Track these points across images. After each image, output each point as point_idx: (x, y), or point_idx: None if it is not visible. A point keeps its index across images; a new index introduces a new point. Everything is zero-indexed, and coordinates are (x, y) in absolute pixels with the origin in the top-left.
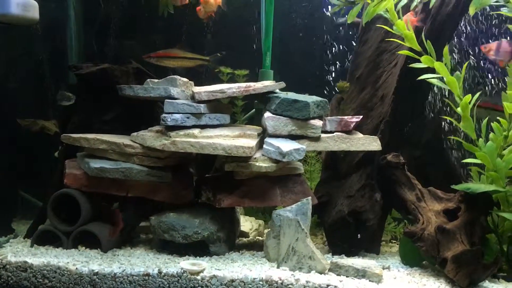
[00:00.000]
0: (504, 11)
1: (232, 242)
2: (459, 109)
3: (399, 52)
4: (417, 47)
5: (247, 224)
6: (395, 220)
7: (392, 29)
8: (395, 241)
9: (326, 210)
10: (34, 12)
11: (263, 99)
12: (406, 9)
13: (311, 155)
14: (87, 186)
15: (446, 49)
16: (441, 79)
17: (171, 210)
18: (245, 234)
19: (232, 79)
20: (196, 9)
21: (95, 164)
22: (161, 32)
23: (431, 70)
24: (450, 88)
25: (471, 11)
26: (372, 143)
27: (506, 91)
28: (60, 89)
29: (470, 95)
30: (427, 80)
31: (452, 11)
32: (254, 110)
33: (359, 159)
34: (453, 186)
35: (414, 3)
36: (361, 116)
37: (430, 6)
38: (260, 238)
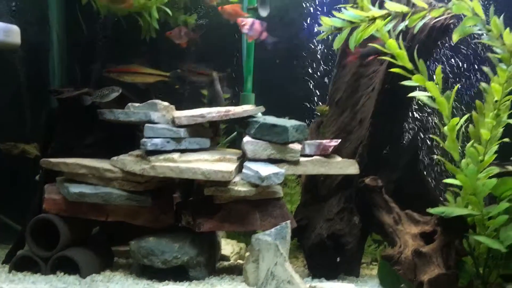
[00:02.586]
0: (485, 39)
1: (212, 266)
2: (445, 129)
3: (392, 70)
4: (409, 65)
5: (228, 247)
6: (375, 242)
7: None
8: (375, 263)
9: (305, 234)
10: (15, 37)
11: (243, 123)
12: None
13: (291, 178)
14: (66, 211)
15: (439, 69)
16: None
17: (150, 235)
18: (226, 258)
19: None
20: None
21: (75, 189)
22: (144, 56)
23: (413, 89)
24: (440, 109)
25: (454, 38)
26: (350, 167)
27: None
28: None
29: (458, 117)
30: (408, 102)
31: (426, 38)
32: (235, 133)
33: (338, 182)
34: (428, 210)
35: (399, 28)
36: (339, 140)
37: (415, 31)
38: (241, 261)
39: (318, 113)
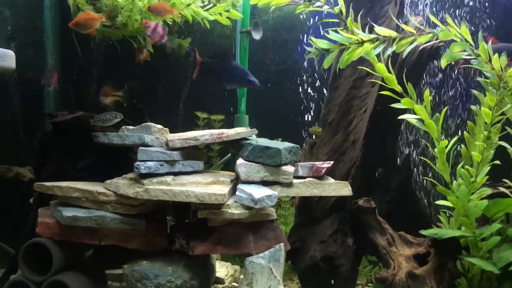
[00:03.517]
0: (474, 63)
1: None
2: (436, 151)
3: (380, 92)
4: (399, 88)
5: (222, 269)
6: (370, 263)
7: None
8: (370, 285)
9: (299, 256)
10: (10, 62)
11: (236, 146)
12: None
13: (286, 199)
14: (60, 235)
15: (427, 92)
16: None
17: (144, 258)
18: (220, 281)
19: (208, 124)
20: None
21: (68, 212)
22: (139, 79)
23: (403, 111)
24: (429, 131)
25: (443, 63)
26: (343, 188)
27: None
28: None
29: (446, 140)
30: (400, 123)
31: (417, 60)
32: (230, 154)
33: (332, 204)
34: (421, 232)
35: (388, 52)
36: (332, 162)
37: (404, 56)
38: (236, 284)
39: (312, 134)
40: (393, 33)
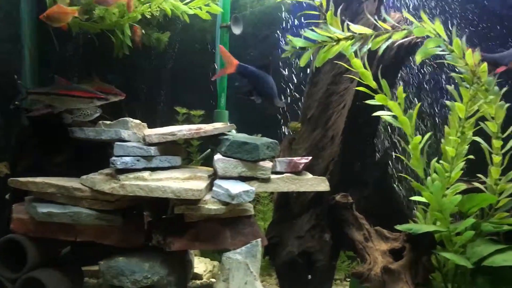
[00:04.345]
0: (448, 59)
1: (183, 285)
2: (410, 148)
3: (357, 88)
4: (373, 84)
5: (201, 265)
6: (349, 258)
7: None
8: (349, 280)
9: (277, 251)
10: None
11: (215, 141)
12: None
13: (264, 195)
14: (34, 231)
15: (400, 89)
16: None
17: (120, 254)
18: (198, 276)
19: (187, 119)
20: None
21: (43, 208)
22: (117, 73)
23: (381, 107)
24: (403, 128)
25: (417, 59)
26: (321, 184)
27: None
28: None
29: (420, 136)
30: (378, 118)
31: (395, 56)
32: (209, 150)
33: (310, 200)
34: (396, 227)
35: (364, 50)
36: (310, 158)
37: (379, 53)
38: (214, 280)
39: (290, 130)
40: (368, 31)
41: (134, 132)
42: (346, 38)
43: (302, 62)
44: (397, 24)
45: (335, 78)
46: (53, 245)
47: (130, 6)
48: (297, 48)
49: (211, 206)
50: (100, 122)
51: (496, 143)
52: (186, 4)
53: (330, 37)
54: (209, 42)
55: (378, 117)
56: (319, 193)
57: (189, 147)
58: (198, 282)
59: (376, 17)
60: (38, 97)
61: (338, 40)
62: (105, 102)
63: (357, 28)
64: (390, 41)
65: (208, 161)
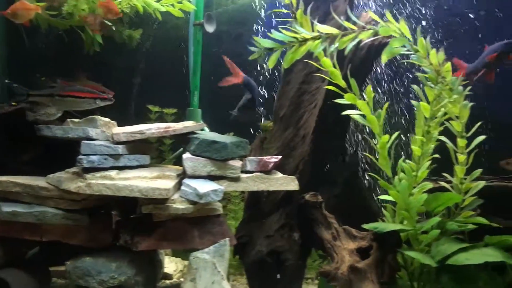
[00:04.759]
0: (413, 59)
1: (152, 285)
2: (378, 147)
3: (325, 87)
4: (343, 84)
5: (171, 265)
6: (320, 257)
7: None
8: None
9: (246, 251)
10: None
11: (184, 140)
12: None
13: (235, 194)
14: None
15: (369, 88)
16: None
17: (87, 255)
18: (168, 276)
19: (160, 117)
20: None
21: (7, 208)
22: (88, 70)
23: (352, 106)
24: (371, 127)
25: (383, 59)
26: (290, 183)
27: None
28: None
29: (388, 135)
30: (347, 117)
31: (366, 55)
32: (182, 149)
33: (280, 199)
34: (363, 225)
35: (331, 50)
36: (280, 157)
37: (346, 53)
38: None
39: (261, 129)
40: (335, 31)
41: (102, 131)
42: (313, 38)
43: (270, 64)
44: (363, 24)
45: (307, 77)
46: (18, 245)
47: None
48: (265, 49)
49: (179, 205)
50: (68, 120)
51: (461, 142)
52: (158, 1)
53: (296, 38)
54: (182, 40)
55: (349, 116)
56: (289, 192)
57: (161, 145)
58: (168, 282)
59: (346, 17)
60: (40, 99)
61: (305, 40)
62: (110, 103)
63: (324, 28)
64: (356, 40)
65: (180, 160)
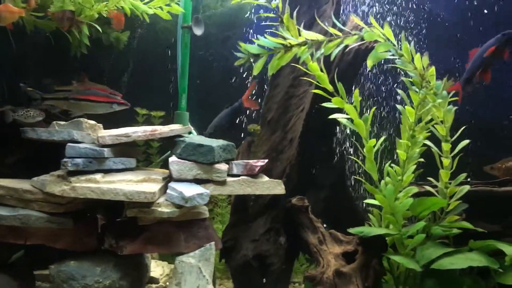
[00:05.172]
0: (398, 63)
1: None
2: (364, 151)
3: (313, 91)
4: (330, 88)
5: (158, 269)
6: (307, 261)
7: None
8: None
9: (232, 255)
10: None
11: (171, 143)
12: None
13: (222, 198)
14: None
15: (356, 92)
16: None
17: (72, 258)
18: (155, 280)
19: (148, 120)
20: None
21: None
22: (76, 72)
23: (339, 110)
24: (358, 130)
25: (369, 64)
26: (277, 187)
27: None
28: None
29: (374, 139)
30: (334, 121)
31: (352, 60)
32: (169, 152)
33: (266, 203)
34: (349, 230)
35: (317, 55)
36: (266, 160)
37: (332, 59)
38: None
39: (249, 132)
40: (320, 37)
41: (88, 133)
42: (299, 44)
43: (255, 70)
44: (349, 30)
45: (294, 81)
46: (2, 248)
47: None
48: (251, 55)
49: (164, 209)
50: (54, 122)
51: (445, 146)
52: (146, 3)
53: (283, 44)
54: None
55: (336, 120)
56: (276, 196)
57: (149, 148)
58: (154, 286)
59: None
60: (56, 102)
61: (291, 47)
62: (126, 107)
63: (310, 35)
64: (342, 46)
65: (167, 163)
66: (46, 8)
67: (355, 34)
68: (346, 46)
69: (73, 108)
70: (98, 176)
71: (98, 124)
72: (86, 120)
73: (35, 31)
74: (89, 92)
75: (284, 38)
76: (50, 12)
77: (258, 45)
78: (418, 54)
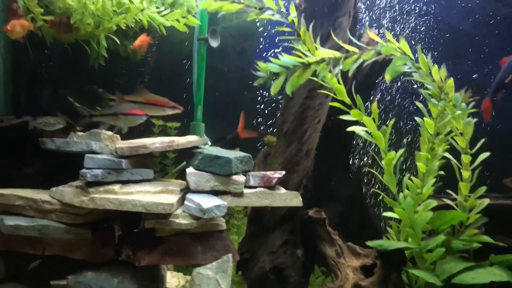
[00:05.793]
0: (415, 76)
1: None
2: (383, 163)
3: (331, 104)
4: (347, 100)
5: (173, 280)
6: (323, 273)
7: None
8: None
9: (248, 267)
10: None
11: (188, 154)
12: None
13: (238, 209)
14: (1, 244)
15: (374, 105)
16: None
17: (89, 269)
18: None
19: (164, 131)
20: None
21: (10, 221)
22: (95, 82)
23: (355, 122)
24: (377, 143)
25: (387, 78)
26: (294, 199)
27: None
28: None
29: (394, 151)
30: (352, 134)
31: (369, 72)
32: (185, 162)
33: (283, 215)
34: (368, 243)
35: (336, 71)
36: (284, 172)
37: (350, 74)
38: None
39: (265, 144)
40: (337, 54)
41: (106, 144)
42: (317, 62)
43: (273, 90)
44: (365, 46)
45: (310, 93)
46: (20, 258)
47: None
48: (271, 74)
49: (182, 220)
50: (72, 133)
51: (465, 158)
52: (163, 16)
53: (301, 62)
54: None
55: (353, 132)
56: (292, 208)
57: (164, 159)
58: None
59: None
60: (103, 118)
61: (309, 65)
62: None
63: (327, 52)
64: (359, 61)
65: (184, 174)
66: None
67: (372, 49)
68: (363, 62)
69: (120, 123)
70: (116, 187)
71: (116, 135)
72: (104, 131)
73: (54, 42)
74: (135, 107)
75: (302, 54)
76: (49, 20)
77: (276, 64)
78: (436, 66)
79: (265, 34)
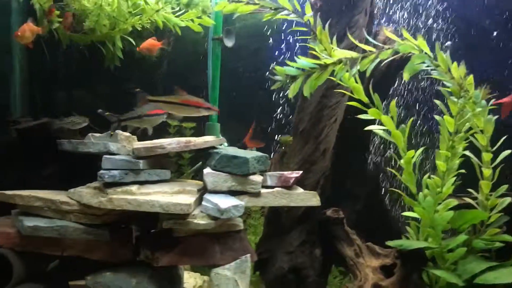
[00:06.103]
0: (434, 74)
1: None
2: (402, 162)
3: (347, 103)
4: (365, 99)
5: (191, 280)
6: (341, 273)
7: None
8: None
9: (267, 267)
10: None
11: (205, 155)
12: None
13: (256, 209)
14: (20, 245)
15: (393, 103)
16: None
17: (108, 269)
18: None
19: (179, 132)
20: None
21: (29, 222)
22: (110, 83)
23: (372, 121)
24: (395, 142)
25: (405, 76)
26: (312, 199)
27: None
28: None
29: (413, 150)
30: (369, 133)
31: (386, 71)
32: (200, 162)
33: (300, 214)
34: (388, 243)
35: (353, 72)
36: (301, 172)
37: (367, 75)
38: None
39: (281, 144)
40: (354, 54)
41: (123, 145)
42: (335, 63)
43: (291, 93)
44: (382, 45)
45: (327, 92)
46: (39, 259)
47: None
48: (289, 78)
49: (199, 220)
50: (90, 134)
51: (486, 156)
52: (178, 16)
53: (319, 64)
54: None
55: (370, 131)
56: (310, 207)
57: (180, 159)
58: None
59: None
60: (131, 122)
61: (326, 66)
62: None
63: (344, 53)
64: (377, 61)
65: (200, 174)
66: (81, 22)
67: (389, 48)
68: (381, 61)
69: (145, 124)
70: (134, 188)
71: (133, 136)
72: (121, 131)
73: (69, 45)
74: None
75: (319, 54)
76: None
77: (293, 66)
78: (455, 63)
79: (280, 33)
